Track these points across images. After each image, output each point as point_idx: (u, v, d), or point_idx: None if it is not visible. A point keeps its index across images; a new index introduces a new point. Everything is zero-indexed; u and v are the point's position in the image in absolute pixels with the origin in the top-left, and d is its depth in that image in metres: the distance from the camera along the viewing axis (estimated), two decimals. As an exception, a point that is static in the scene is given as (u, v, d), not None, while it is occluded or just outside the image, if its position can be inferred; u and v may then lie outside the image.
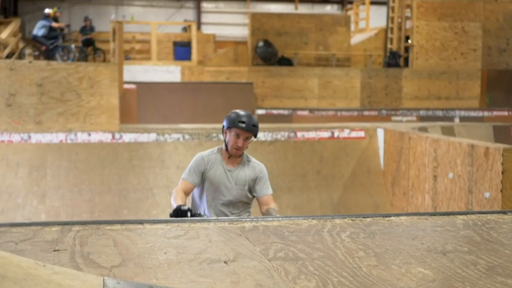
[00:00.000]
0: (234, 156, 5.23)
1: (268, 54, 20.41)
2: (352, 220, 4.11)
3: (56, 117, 11.59)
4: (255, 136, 5.23)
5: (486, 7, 20.54)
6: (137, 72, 19.37)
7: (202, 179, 5.21)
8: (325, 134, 11.45)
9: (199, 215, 4.94)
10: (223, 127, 5.24)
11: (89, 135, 11.03)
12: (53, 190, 10.45)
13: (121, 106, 13.34)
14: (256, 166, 5.29)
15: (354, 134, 11.62)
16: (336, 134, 11.48)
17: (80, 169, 10.70)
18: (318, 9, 33.02)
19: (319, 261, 3.21)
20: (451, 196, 9.52)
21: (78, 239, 3.54)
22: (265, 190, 5.23)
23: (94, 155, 10.87)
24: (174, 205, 4.94)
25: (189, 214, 4.80)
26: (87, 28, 22.39)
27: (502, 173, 8.42)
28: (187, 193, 5.17)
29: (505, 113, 19.12)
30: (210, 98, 17.36)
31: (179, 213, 4.78)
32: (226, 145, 5.22)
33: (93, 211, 10.39)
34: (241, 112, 5.19)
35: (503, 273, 3.07)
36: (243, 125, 5.09)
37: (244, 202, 5.24)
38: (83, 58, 20.88)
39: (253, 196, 5.25)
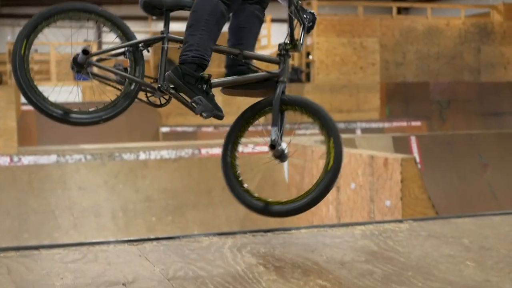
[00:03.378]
0: None
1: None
2: (253, 236, 4.13)
3: (-50, 141, 11.16)
4: None
5: (383, 23, 21.17)
6: (37, 93, 18.86)
7: None
8: (230, 150, 11.47)
9: None
10: None
11: (-14, 159, 10.66)
12: None
13: (20, 128, 12.96)
14: None
15: (258, 148, 11.67)
16: (240, 149, 11.52)
17: (-23, 195, 10.32)
18: (220, 26, 33.19)
19: (219, 278, 3.20)
20: (354, 206, 9.71)
21: (-31, 268, 3.41)
22: None
23: (-9, 179, 10.51)
24: None
25: None
26: (-18, 49, 21.73)
27: (401, 181, 8.67)
28: None
29: (404, 123, 19.72)
30: (113, 117, 17.05)
31: None
32: None
33: (-8, 237, 10.02)
34: None
35: (398, 280, 3.15)
36: None
37: None
38: (-21, 80, 20.22)
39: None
